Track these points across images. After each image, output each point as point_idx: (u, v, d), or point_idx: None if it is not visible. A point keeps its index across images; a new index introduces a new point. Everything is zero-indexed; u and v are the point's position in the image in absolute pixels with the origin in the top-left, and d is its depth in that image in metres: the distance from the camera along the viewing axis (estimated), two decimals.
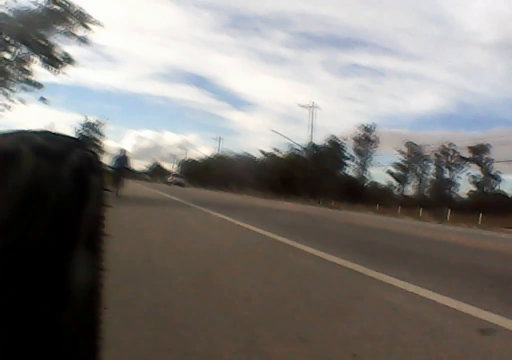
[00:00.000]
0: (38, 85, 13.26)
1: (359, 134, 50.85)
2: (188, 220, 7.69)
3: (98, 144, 24.37)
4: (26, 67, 12.96)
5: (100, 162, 0.47)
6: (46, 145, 0.42)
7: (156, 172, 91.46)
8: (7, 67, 12.91)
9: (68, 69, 13.43)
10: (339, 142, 42.25)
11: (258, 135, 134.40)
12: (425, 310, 2.51)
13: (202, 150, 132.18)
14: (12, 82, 13.01)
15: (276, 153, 45.04)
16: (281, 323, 2.02)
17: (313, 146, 39.29)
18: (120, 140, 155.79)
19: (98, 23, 13.12)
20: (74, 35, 13.14)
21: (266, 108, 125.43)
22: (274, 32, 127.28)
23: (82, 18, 12.92)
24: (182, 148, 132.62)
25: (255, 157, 49.35)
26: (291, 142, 40.92)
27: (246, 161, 48.99)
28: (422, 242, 7.89)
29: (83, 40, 13.19)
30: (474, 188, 51.90)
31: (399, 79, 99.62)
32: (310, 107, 42.55)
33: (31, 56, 13.00)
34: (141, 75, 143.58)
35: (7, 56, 12.88)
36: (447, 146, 54.04)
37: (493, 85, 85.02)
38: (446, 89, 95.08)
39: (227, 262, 3.75)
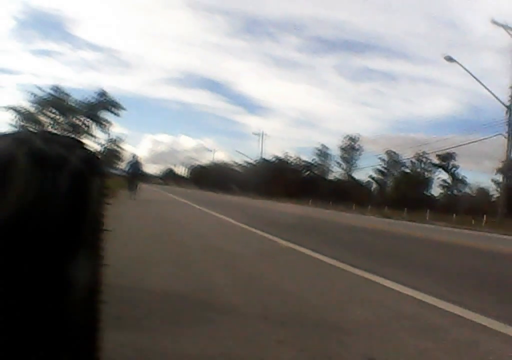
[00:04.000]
0: (94, 136, 27.18)
1: (345, 143, 63.09)
2: (168, 199, 21.18)
3: (118, 154, 31.29)
4: (87, 128, 27.00)
5: (101, 163, 0.48)
6: (44, 149, 0.42)
7: (169, 177, 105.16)
8: (78, 128, 26.86)
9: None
10: (282, 158, 58.33)
11: (273, 139, 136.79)
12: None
13: (218, 154, 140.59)
14: (81, 136, 26.90)
15: (245, 164, 61.08)
16: None
17: (264, 160, 54.57)
18: (136, 145, 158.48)
19: (123, 107, 27.19)
20: (111, 111, 27.04)
21: (280, 112, 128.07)
22: (287, 36, 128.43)
23: (115, 104, 26.87)
24: (198, 152, 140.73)
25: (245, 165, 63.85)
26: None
27: (233, 168, 63.63)
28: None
29: (116, 114, 27.11)
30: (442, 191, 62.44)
31: (413, 84, 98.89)
32: (259, 134, 57.92)
33: (91, 123, 27.03)
34: (156, 80, 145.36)
35: (79, 123, 26.91)
36: (421, 153, 65.62)
37: (507, 89, 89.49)
38: (459, 93, 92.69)
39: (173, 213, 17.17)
